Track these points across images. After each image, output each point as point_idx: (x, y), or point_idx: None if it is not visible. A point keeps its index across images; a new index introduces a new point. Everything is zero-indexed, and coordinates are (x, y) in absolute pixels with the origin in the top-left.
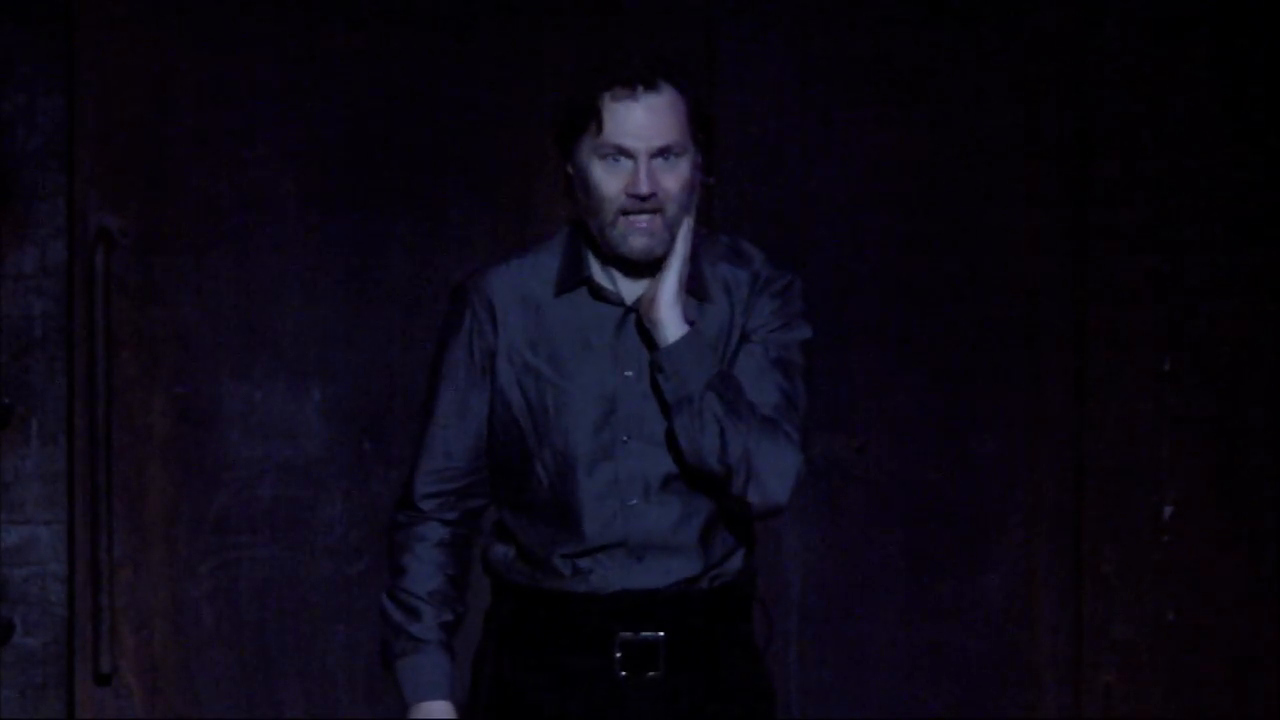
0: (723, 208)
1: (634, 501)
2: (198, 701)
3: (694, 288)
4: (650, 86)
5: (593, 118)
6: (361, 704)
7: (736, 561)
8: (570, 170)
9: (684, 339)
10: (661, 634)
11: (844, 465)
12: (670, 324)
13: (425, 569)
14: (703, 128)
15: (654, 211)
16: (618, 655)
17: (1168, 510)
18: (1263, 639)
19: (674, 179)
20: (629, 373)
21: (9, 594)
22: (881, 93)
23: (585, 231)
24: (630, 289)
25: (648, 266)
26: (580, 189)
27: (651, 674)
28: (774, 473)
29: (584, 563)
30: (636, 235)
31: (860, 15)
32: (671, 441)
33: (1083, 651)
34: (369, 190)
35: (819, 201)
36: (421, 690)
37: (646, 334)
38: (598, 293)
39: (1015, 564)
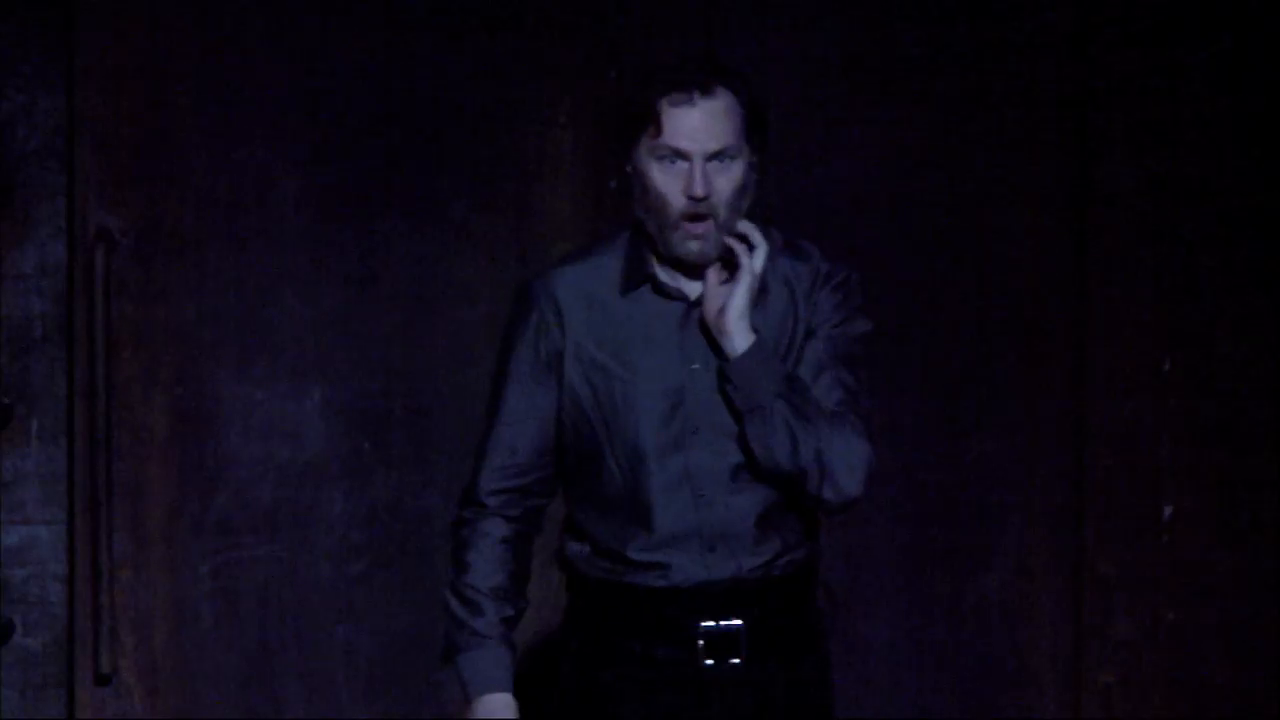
0: None
1: (705, 492)
2: (197, 701)
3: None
4: (707, 91)
5: (651, 120)
6: (361, 704)
7: (805, 548)
8: (629, 170)
9: (750, 350)
10: (740, 623)
11: None
12: (738, 335)
13: (488, 565)
14: (758, 130)
15: (706, 216)
16: (700, 645)
17: (1168, 510)
18: (1263, 639)
19: (727, 181)
20: (695, 365)
21: (9, 594)
22: (882, 93)
23: (645, 230)
24: (690, 285)
25: (702, 267)
26: (638, 188)
27: (734, 661)
28: (846, 467)
29: (660, 556)
30: (693, 241)
31: (860, 15)
32: (740, 433)
33: (1083, 651)
34: (369, 190)
35: (819, 201)
36: (483, 684)
37: (710, 331)
38: (661, 289)
39: (1015, 564)
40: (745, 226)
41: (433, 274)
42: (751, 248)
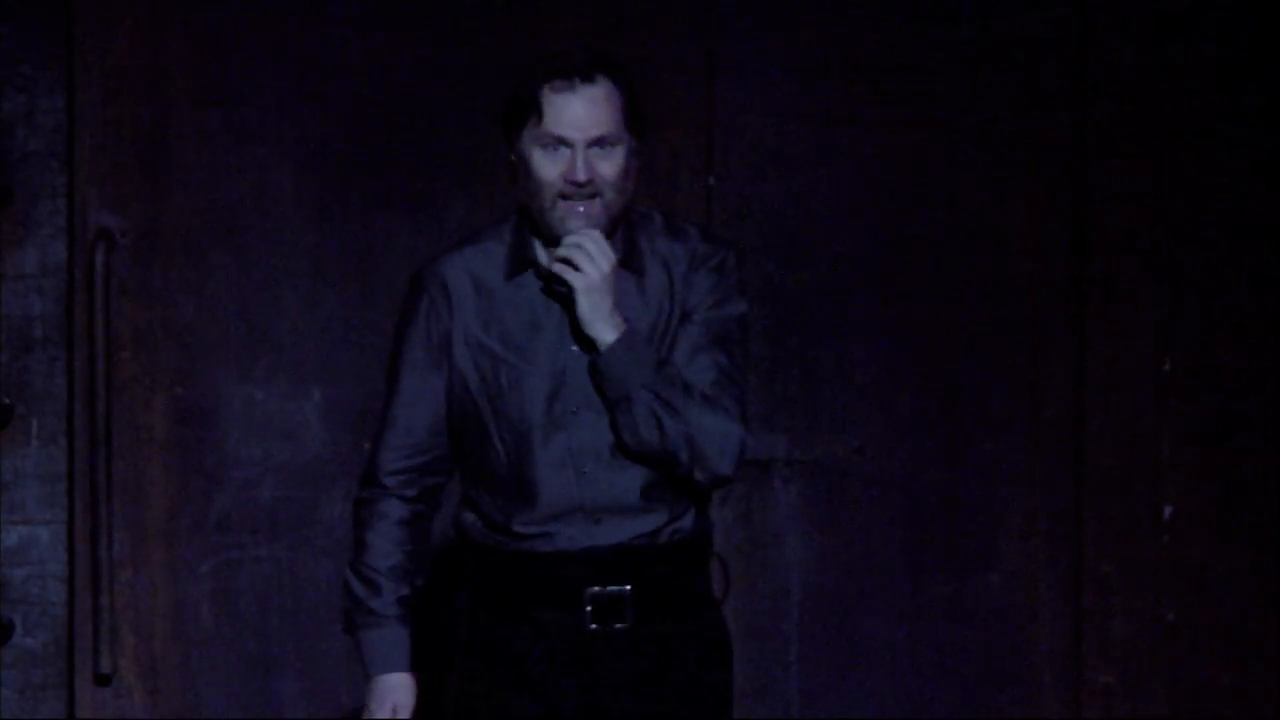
0: (722, 208)
1: (587, 469)
2: (197, 702)
3: (630, 263)
4: (587, 79)
5: (534, 109)
6: (361, 704)
7: (690, 518)
8: (514, 158)
9: (615, 345)
10: (628, 587)
11: (844, 466)
12: (599, 336)
13: (386, 545)
14: (638, 118)
15: (592, 196)
16: (587, 609)
17: (1168, 510)
18: (1263, 639)
19: (610, 166)
20: (574, 348)
21: (9, 594)
22: (881, 93)
23: (530, 216)
24: None
25: None
26: (523, 175)
27: (619, 625)
28: (715, 449)
29: (545, 528)
30: (574, 219)
31: (860, 16)
32: None
33: (1082, 651)
34: (369, 191)
35: (818, 202)
36: (381, 663)
37: None
38: (542, 272)
39: (1015, 564)
40: (566, 249)
41: None
42: (577, 267)
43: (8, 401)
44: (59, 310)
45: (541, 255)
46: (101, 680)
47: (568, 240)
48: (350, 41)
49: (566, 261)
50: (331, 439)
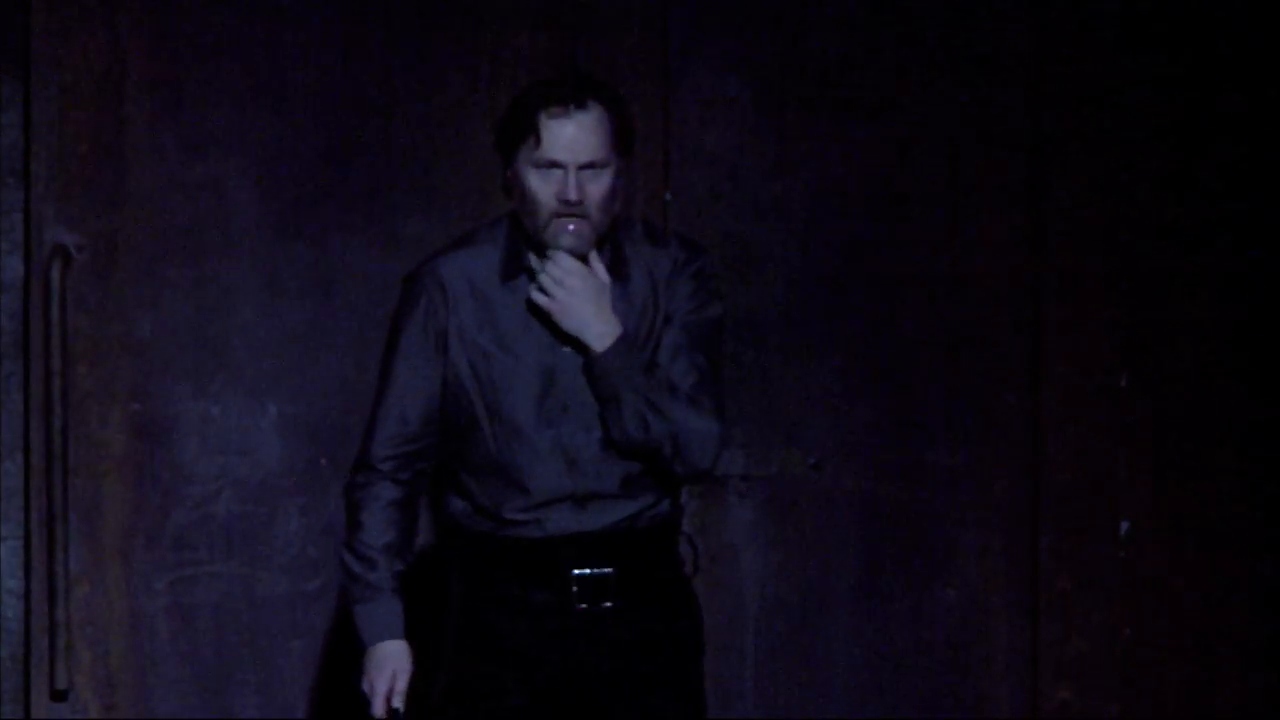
0: (679, 223)
1: (576, 460)
2: (153, 716)
3: (616, 270)
4: (581, 105)
5: (531, 132)
6: (318, 718)
7: (666, 503)
8: (509, 174)
9: (608, 351)
10: (611, 569)
11: (799, 482)
12: (590, 344)
13: (380, 525)
14: (626, 139)
15: (581, 216)
16: (574, 590)
17: (1124, 526)
18: (1220, 654)
19: (598, 188)
20: (566, 349)
21: None
22: (837, 104)
23: (522, 225)
24: None
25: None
26: (518, 191)
27: (606, 604)
28: (696, 445)
29: (535, 515)
30: (565, 236)
31: (816, 29)
32: None
33: (1039, 667)
34: (326, 206)
35: (774, 216)
36: (378, 632)
37: None
38: (536, 279)
39: (971, 580)
40: (540, 282)
41: (388, 289)
42: (549, 294)
43: None
44: (15, 326)
45: (534, 261)
46: (58, 696)
47: (543, 267)
48: (306, 60)
49: (542, 289)
50: (288, 454)
